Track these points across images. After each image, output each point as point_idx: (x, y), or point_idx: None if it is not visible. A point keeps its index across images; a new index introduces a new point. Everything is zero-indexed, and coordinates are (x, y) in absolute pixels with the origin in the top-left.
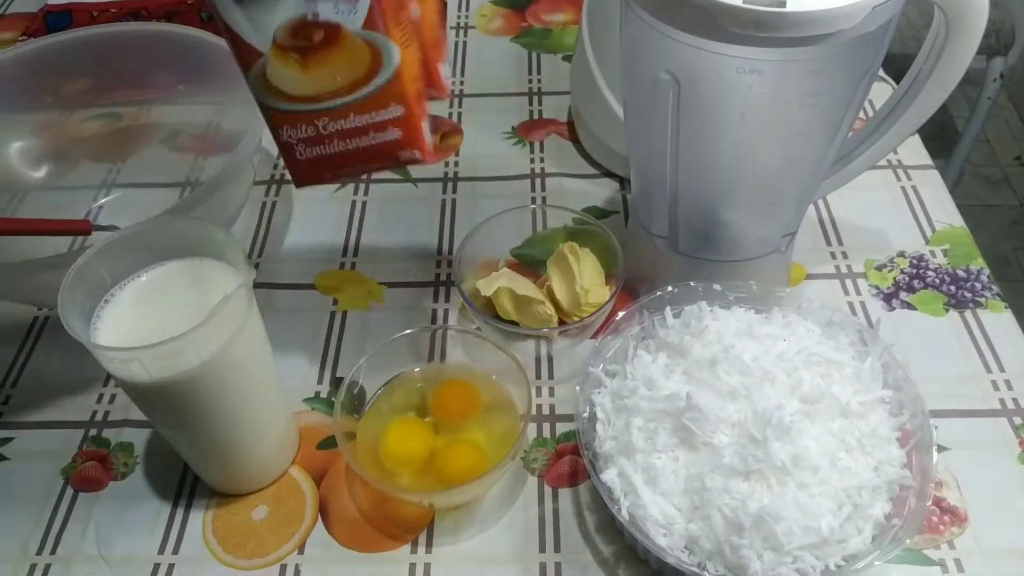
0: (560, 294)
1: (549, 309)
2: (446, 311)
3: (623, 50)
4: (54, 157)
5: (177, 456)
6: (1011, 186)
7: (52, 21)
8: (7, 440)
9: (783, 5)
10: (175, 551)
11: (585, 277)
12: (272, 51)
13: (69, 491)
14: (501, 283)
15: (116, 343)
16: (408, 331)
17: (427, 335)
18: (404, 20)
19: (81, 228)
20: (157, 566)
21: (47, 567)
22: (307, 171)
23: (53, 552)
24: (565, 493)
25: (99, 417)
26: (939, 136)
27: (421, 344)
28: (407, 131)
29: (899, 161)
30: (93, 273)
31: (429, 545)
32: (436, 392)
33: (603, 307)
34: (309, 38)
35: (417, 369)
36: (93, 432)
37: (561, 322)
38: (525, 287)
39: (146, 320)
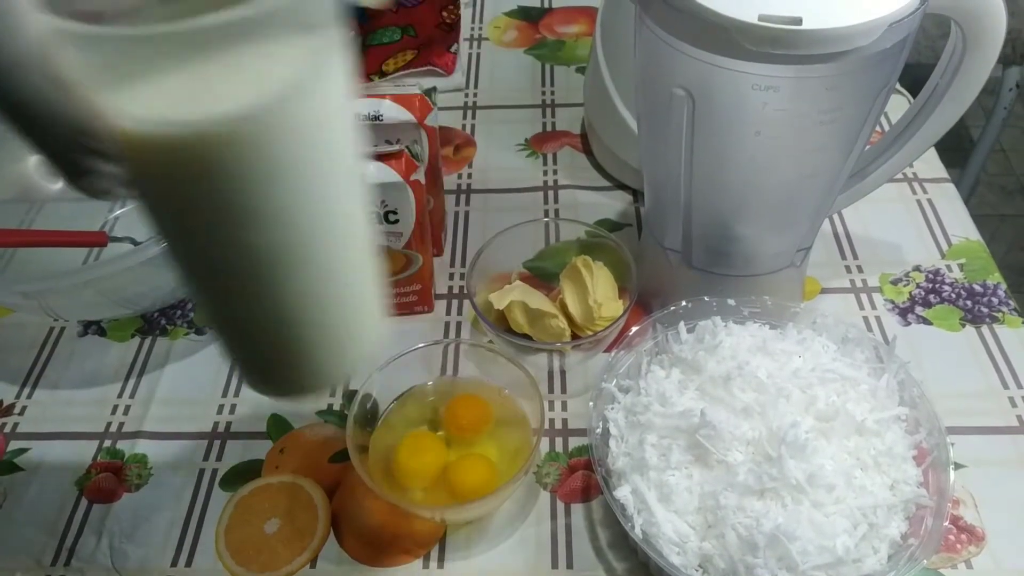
0: (573, 308)
1: (562, 323)
2: (459, 324)
3: (637, 65)
4: None
5: (191, 467)
6: None
7: None
8: (22, 451)
9: (799, 23)
10: (188, 563)
11: (598, 291)
12: None
13: (83, 502)
14: (514, 296)
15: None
16: (421, 344)
17: (440, 348)
18: (426, 239)
19: (97, 240)
20: None
21: None
22: None
23: (67, 563)
24: (578, 508)
25: (113, 428)
26: (954, 146)
27: (434, 357)
28: (421, 296)
29: (915, 174)
30: None
31: (441, 560)
32: (448, 406)
33: (616, 321)
34: None
35: (430, 383)
36: (107, 443)
37: (574, 336)
38: (538, 300)
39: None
